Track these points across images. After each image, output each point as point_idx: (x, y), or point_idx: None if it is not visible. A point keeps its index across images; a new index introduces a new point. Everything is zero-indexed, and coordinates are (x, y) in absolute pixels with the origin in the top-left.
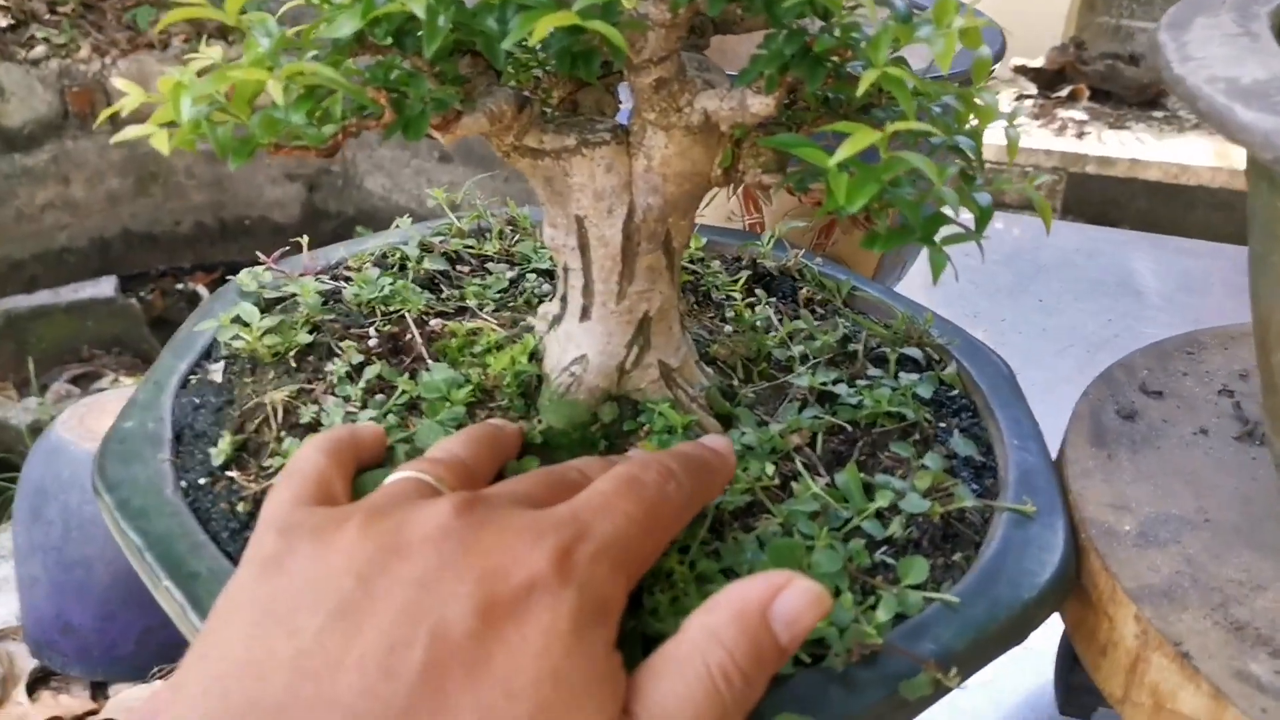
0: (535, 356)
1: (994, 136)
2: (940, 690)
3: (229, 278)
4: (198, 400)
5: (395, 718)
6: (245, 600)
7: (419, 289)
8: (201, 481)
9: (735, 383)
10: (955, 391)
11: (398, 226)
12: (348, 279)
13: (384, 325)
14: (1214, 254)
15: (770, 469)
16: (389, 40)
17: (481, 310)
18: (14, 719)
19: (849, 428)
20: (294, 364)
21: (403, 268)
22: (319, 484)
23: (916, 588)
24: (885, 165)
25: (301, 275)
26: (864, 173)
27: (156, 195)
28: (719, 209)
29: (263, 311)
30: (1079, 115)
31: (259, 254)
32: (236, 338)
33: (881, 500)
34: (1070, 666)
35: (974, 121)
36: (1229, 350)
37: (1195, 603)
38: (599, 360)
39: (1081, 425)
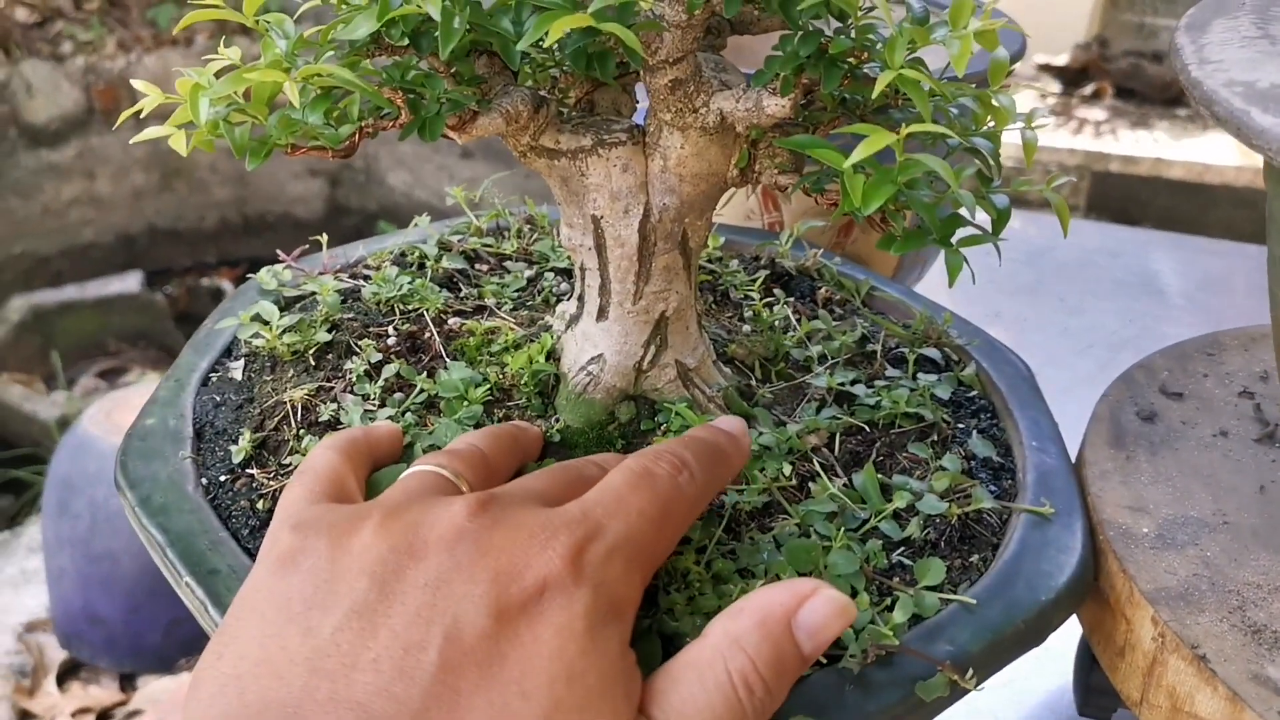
0: (552, 356)
1: (1018, 136)
2: (957, 692)
3: (249, 276)
4: (218, 398)
5: (410, 718)
6: (261, 598)
7: (437, 288)
8: (222, 479)
9: (753, 383)
10: (974, 392)
11: (416, 225)
12: (367, 277)
13: (402, 324)
14: (1237, 253)
15: (788, 469)
16: (405, 41)
17: (499, 309)
18: (44, 709)
19: (867, 428)
20: (313, 362)
21: (421, 266)
22: (332, 481)
23: (933, 589)
24: (901, 167)
25: (321, 274)
26: (880, 174)
27: (181, 191)
28: (738, 207)
29: (282, 310)
30: (1100, 115)
31: (279, 252)
32: (256, 336)
33: (899, 501)
34: (1089, 668)
35: (991, 123)
36: (1250, 352)
37: (1213, 605)
38: (616, 360)
39: (1101, 427)
